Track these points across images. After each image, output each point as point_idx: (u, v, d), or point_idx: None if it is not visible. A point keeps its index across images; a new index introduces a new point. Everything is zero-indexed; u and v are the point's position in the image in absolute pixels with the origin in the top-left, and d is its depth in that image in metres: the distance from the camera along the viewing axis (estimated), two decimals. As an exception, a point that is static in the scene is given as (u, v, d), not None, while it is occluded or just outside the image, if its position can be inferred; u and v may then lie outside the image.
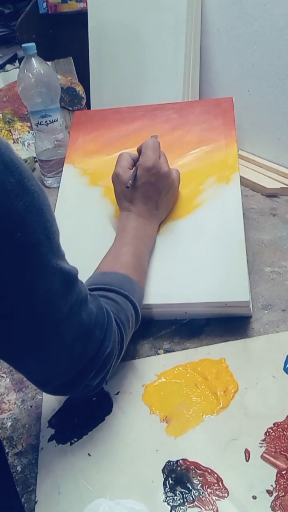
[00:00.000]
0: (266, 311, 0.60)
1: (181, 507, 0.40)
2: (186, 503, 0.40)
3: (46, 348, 0.39)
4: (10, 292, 0.34)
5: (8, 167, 0.32)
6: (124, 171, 0.61)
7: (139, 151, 0.62)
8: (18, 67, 1.11)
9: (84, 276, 0.46)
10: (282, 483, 0.41)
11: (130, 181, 0.59)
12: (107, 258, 0.55)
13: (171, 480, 0.42)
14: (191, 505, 0.40)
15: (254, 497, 0.40)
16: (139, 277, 0.54)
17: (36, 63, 0.91)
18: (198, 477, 0.42)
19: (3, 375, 0.56)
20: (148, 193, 0.60)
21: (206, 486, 0.41)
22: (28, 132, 1.19)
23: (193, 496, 0.41)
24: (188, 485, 0.42)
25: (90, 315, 0.41)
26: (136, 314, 0.50)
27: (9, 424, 0.50)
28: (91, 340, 0.42)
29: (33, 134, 1.13)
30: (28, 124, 1.19)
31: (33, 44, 0.90)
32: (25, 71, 0.91)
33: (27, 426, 0.49)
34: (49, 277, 0.36)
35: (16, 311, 0.35)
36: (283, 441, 0.44)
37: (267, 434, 0.45)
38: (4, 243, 0.32)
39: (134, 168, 0.61)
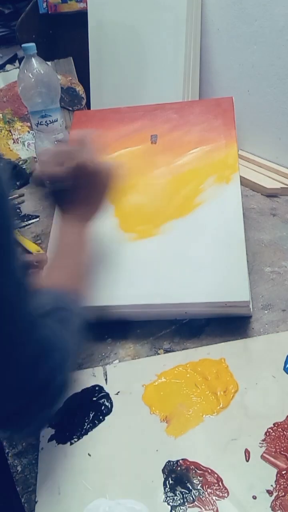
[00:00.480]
0: (266, 311, 0.60)
1: (181, 507, 0.40)
2: (186, 503, 0.40)
3: None
4: None
5: None
6: (48, 168, 0.53)
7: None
8: (18, 67, 1.11)
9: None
10: (282, 483, 0.41)
11: (48, 182, 0.51)
12: (45, 272, 0.50)
13: (171, 480, 0.42)
14: (191, 505, 0.40)
15: (254, 497, 0.40)
16: (75, 286, 0.47)
17: (36, 63, 0.91)
18: (198, 477, 0.42)
19: (3, 375, 0.56)
20: (77, 192, 0.53)
21: (206, 486, 0.41)
22: (28, 132, 1.19)
23: (193, 496, 0.41)
24: (188, 485, 0.42)
25: (44, 341, 0.37)
26: (80, 326, 0.45)
27: (9, 424, 0.50)
28: (41, 367, 0.36)
29: (33, 134, 1.13)
30: (28, 124, 1.19)
31: (33, 44, 0.90)
32: (25, 71, 0.91)
33: (27, 426, 0.49)
34: (11, 289, 0.33)
35: None
36: (283, 441, 0.44)
37: (267, 434, 0.45)
38: None
39: (61, 166, 0.52)
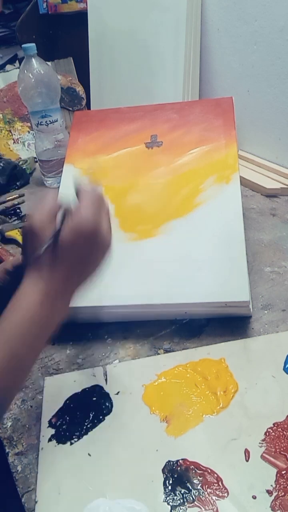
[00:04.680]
0: (266, 311, 0.60)
1: (181, 507, 0.40)
2: (186, 503, 0.40)
3: None
4: None
5: None
6: (42, 223, 0.41)
7: (76, 192, 0.44)
8: (18, 68, 1.11)
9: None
10: (282, 483, 0.41)
11: (44, 246, 0.40)
12: None
13: (171, 480, 0.42)
14: (191, 505, 0.40)
15: (254, 497, 0.40)
16: (6, 383, 0.38)
17: (36, 64, 0.91)
18: (198, 477, 0.42)
19: (3, 375, 0.56)
20: (71, 261, 0.42)
21: (206, 486, 0.41)
22: (28, 132, 1.19)
23: (193, 496, 0.41)
24: (188, 485, 0.42)
25: None
26: None
27: (9, 424, 0.50)
28: None
29: (33, 134, 1.13)
30: (28, 124, 1.19)
31: (33, 44, 0.90)
32: (25, 71, 0.91)
33: (27, 426, 0.49)
34: None
35: None
36: (283, 441, 0.44)
37: (267, 434, 0.45)
38: None
39: (58, 225, 0.41)
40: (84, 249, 0.42)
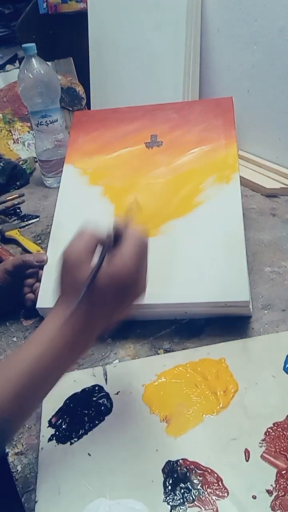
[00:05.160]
0: (266, 311, 0.60)
1: (181, 507, 0.40)
2: (186, 503, 0.40)
3: None
4: None
5: None
6: (79, 256, 0.40)
7: (116, 230, 0.42)
8: (18, 67, 1.11)
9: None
10: (282, 483, 0.41)
11: (82, 292, 0.38)
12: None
13: (171, 480, 0.42)
14: (191, 504, 0.40)
15: (254, 497, 0.40)
16: (19, 413, 0.38)
17: (36, 63, 0.91)
18: (198, 477, 0.42)
19: (3, 375, 0.56)
20: (101, 305, 0.40)
21: (206, 486, 0.41)
22: (28, 132, 1.19)
23: (193, 496, 0.41)
24: (188, 485, 0.42)
25: None
26: None
27: (9, 424, 0.50)
28: None
29: (33, 134, 1.13)
30: (28, 124, 1.19)
31: (33, 44, 0.90)
32: (25, 71, 0.91)
33: (27, 426, 0.49)
34: None
35: None
36: (283, 441, 0.44)
37: (267, 434, 0.45)
38: None
39: (96, 265, 0.39)
40: (118, 297, 0.40)
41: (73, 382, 0.53)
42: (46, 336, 0.39)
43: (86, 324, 0.40)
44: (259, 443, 0.44)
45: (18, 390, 0.37)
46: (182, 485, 0.42)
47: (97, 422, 0.48)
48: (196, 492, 0.41)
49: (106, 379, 0.53)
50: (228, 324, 0.57)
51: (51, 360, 0.39)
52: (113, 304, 0.41)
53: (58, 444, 0.47)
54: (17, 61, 1.44)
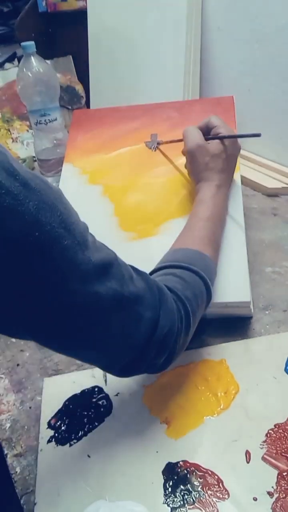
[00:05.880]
0: (267, 312, 0.59)
1: (182, 509, 0.40)
2: (186, 505, 0.40)
3: (97, 337, 0.39)
4: (47, 292, 0.34)
5: (10, 173, 0.32)
6: (204, 142, 0.60)
7: (206, 126, 0.63)
8: (17, 66, 1.11)
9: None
10: (283, 485, 0.40)
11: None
12: (182, 234, 0.56)
13: (172, 481, 0.42)
14: (191, 507, 0.40)
15: (255, 499, 0.40)
16: (213, 253, 0.54)
17: (35, 62, 0.90)
18: (199, 479, 0.42)
19: (2, 376, 0.56)
20: (230, 163, 0.62)
21: (207, 487, 0.41)
22: (27, 131, 1.19)
23: (194, 498, 0.41)
24: (189, 486, 0.41)
25: (136, 298, 0.40)
26: (208, 290, 0.49)
27: (8, 425, 0.49)
28: (141, 322, 0.40)
29: (32, 133, 1.13)
30: (27, 123, 1.18)
31: (32, 42, 0.89)
32: (24, 69, 0.91)
33: (26, 427, 0.49)
34: (82, 269, 0.36)
35: (58, 309, 0.35)
36: (284, 442, 0.44)
37: (268, 435, 0.44)
38: (26, 246, 0.32)
39: (218, 139, 0.61)
40: (234, 151, 0.63)
41: (73, 383, 0.52)
42: (206, 202, 0.58)
43: (226, 185, 0.62)
44: (260, 444, 0.44)
45: (210, 236, 0.55)
46: (182, 487, 0.41)
47: (96, 424, 0.48)
48: (196, 494, 0.41)
49: (105, 380, 0.52)
50: (228, 324, 0.57)
51: (217, 213, 0.58)
52: (235, 156, 0.63)
53: (57, 445, 0.47)
54: (16, 60, 1.43)
